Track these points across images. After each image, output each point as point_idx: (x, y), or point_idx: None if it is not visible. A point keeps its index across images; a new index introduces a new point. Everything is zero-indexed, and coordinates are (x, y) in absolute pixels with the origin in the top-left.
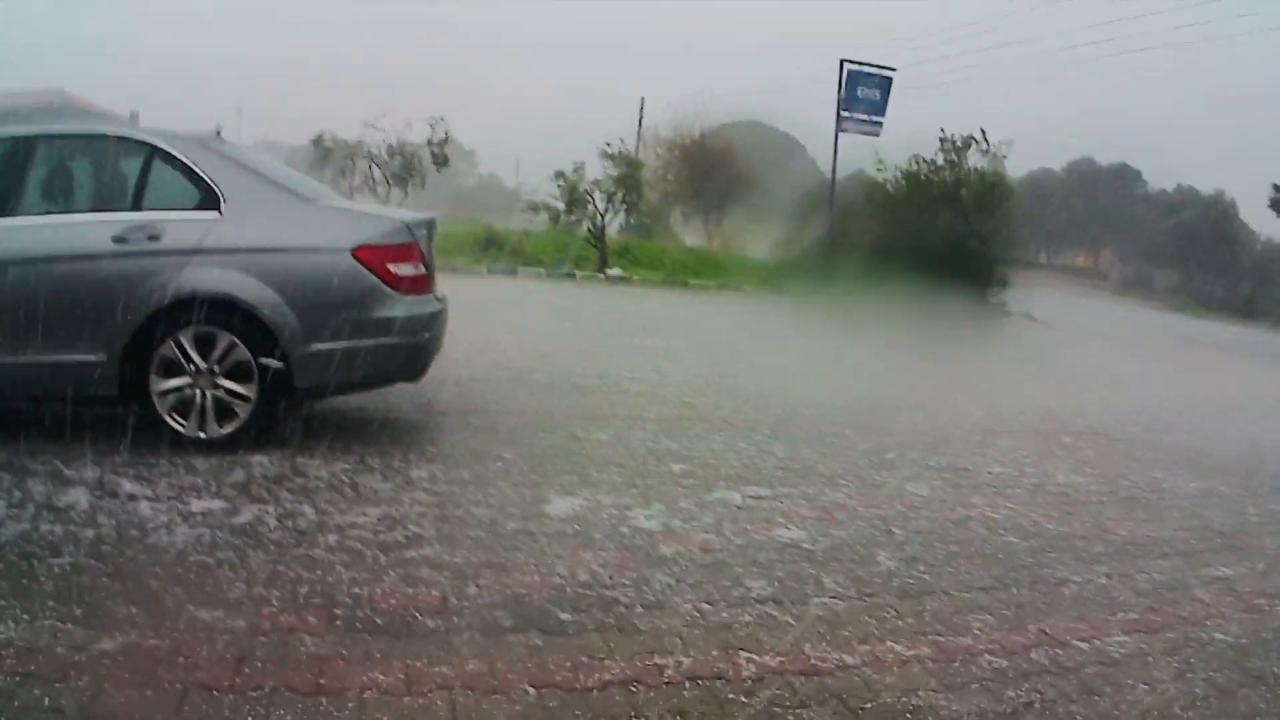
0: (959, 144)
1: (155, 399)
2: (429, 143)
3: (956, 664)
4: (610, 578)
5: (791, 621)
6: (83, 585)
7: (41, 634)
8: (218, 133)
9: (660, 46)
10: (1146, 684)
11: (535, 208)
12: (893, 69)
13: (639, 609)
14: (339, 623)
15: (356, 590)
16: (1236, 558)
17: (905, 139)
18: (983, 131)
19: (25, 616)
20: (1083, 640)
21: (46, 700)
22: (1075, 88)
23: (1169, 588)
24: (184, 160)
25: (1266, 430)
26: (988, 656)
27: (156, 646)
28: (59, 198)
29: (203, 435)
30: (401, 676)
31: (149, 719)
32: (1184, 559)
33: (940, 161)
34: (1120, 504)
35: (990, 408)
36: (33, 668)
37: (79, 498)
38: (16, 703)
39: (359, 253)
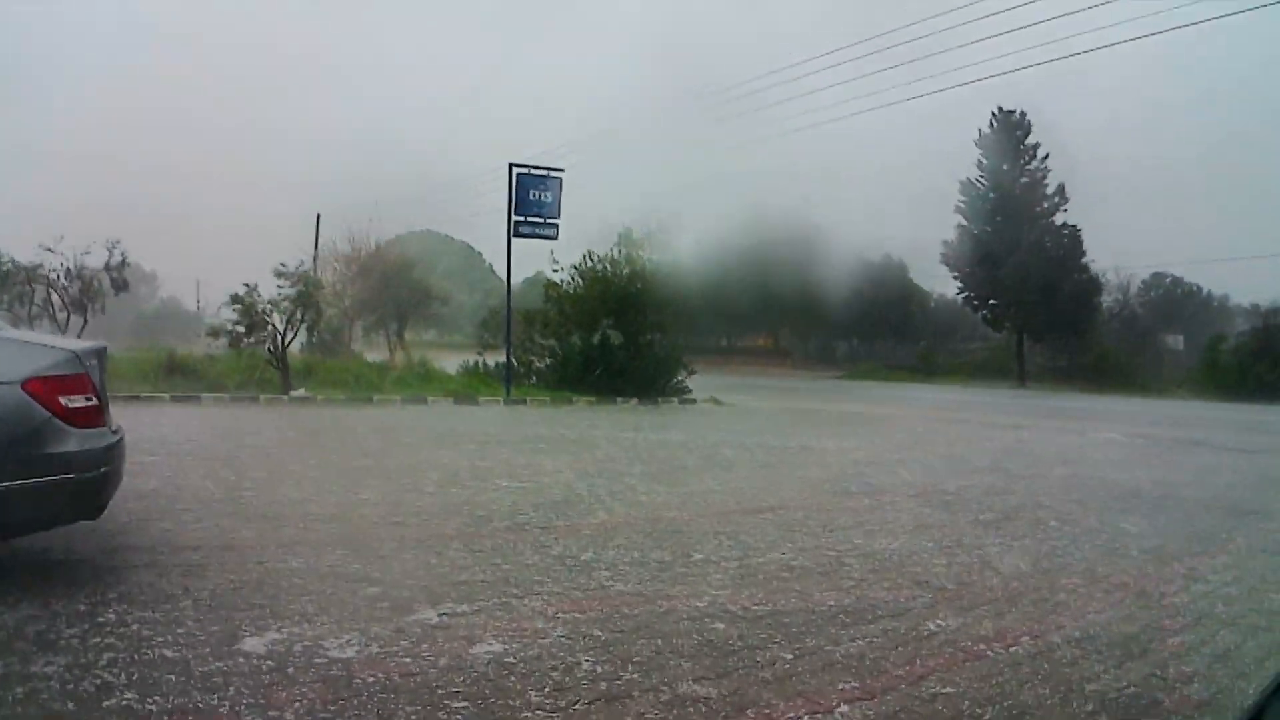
0: (632, 236)
1: None
2: (107, 266)
3: None
4: (310, 713)
5: None
6: None
7: None
8: None
9: (328, 158)
10: None
11: (215, 332)
12: (561, 170)
13: None
14: None
15: None
16: None
17: (585, 238)
18: (657, 221)
19: None
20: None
21: None
22: (742, 168)
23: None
24: None
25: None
26: None
27: None
28: None
29: None
30: None
31: None
32: None
33: (616, 255)
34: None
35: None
36: None
37: None
38: None
39: (29, 385)
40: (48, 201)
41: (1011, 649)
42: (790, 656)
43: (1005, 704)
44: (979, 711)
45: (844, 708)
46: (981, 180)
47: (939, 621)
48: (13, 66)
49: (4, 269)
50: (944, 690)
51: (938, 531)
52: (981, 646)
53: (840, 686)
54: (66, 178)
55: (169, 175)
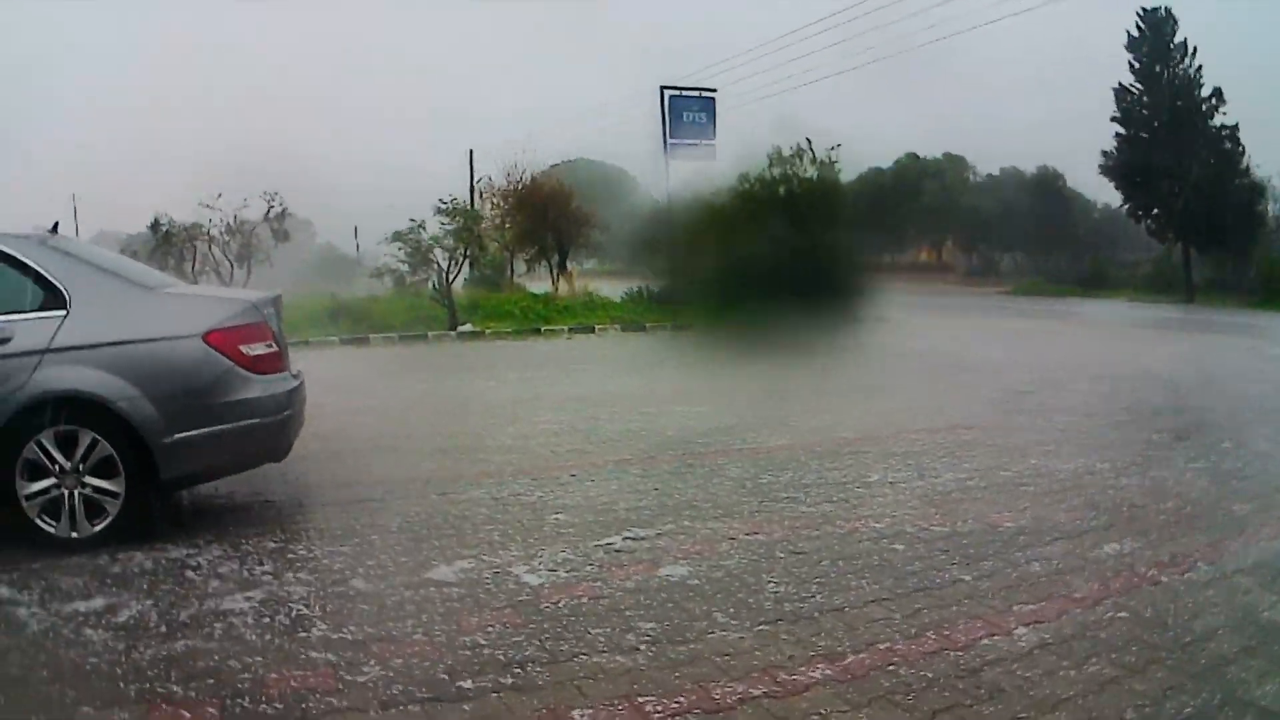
0: (785, 155)
1: (24, 503)
2: (266, 218)
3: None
4: (502, 637)
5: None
6: None
7: None
8: (54, 229)
9: (478, 94)
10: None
11: (379, 272)
12: (713, 90)
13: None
14: (229, 712)
15: (246, 676)
16: None
17: (739, 161)
18: (808, 140)
19: None
20: None
21: None
22: (891, 85)
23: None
24: (24, 260)
25: None
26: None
27: None
28: None
29: (75, 535)
30: None
31: None
32: None
33: (769, 175)
34: None
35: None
36: None
37: None
38: None
39: (210, 337)
40: (203, 159)
41: (1187, 575)
42: (969, 578)
43: (1179, 630)
44: (1153, 637)
45: (1021, 629)
46: (1136, 86)
47: (1114, 545)
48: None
49: (165, 230)
50: (1119, 615)
51: (1112, 451)
52: (1156, 571)
53: (1017, 608)
54: (218, 133)
55: (319, 120)
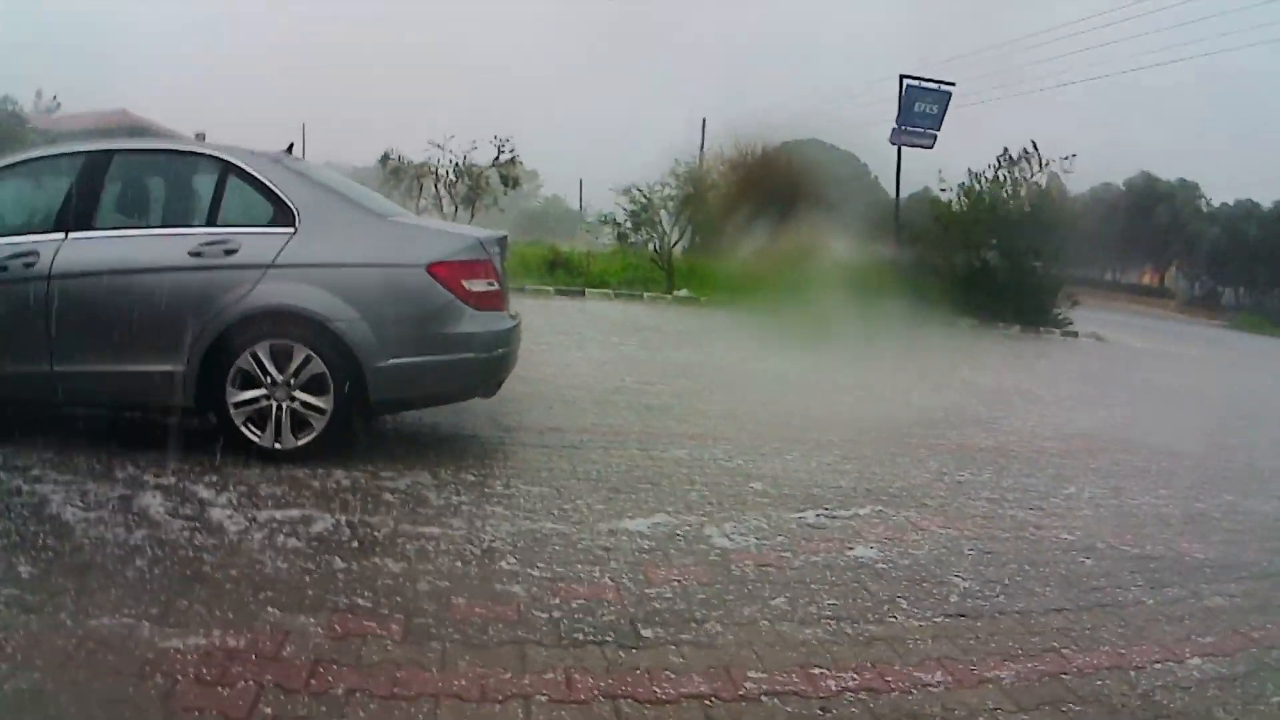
0: (1018, 159)
1: (231, 410)
2: (495, 163)
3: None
4: (686, 593)
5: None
6: (158, 585)
7: (118, 630)
8: (289, 150)
9: (713, 62)
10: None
11: (605, 221)
12: (952, 84)
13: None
14: (416, 630)
15: (432, 598)
16: None
17: (960, 156)
18: (1034, 144)
19: (102, 612)
20: None
21: (124, 694)
22: (1134, 102)
23: None
24: (258, 177)
25: None
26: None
27: (233, 647)
28: (137, 212)
29: (277, 446)
30: (476, 684)
31: (225, 717)
32: None
33: (1001, 178)
34: None
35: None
36: (110, 660)
37: (156, 502)
38: (95, 697)
39: (434, 268)
40: (438, 105)
41: None
42: (1151, 602)
43: None
44: None
45: (1196, 660)
46: None
47: None
48: None
49: (393, 166)
50: None
51: None
52: None
53: (1195, 639)
54: (454, 84)
55: (553, 77)
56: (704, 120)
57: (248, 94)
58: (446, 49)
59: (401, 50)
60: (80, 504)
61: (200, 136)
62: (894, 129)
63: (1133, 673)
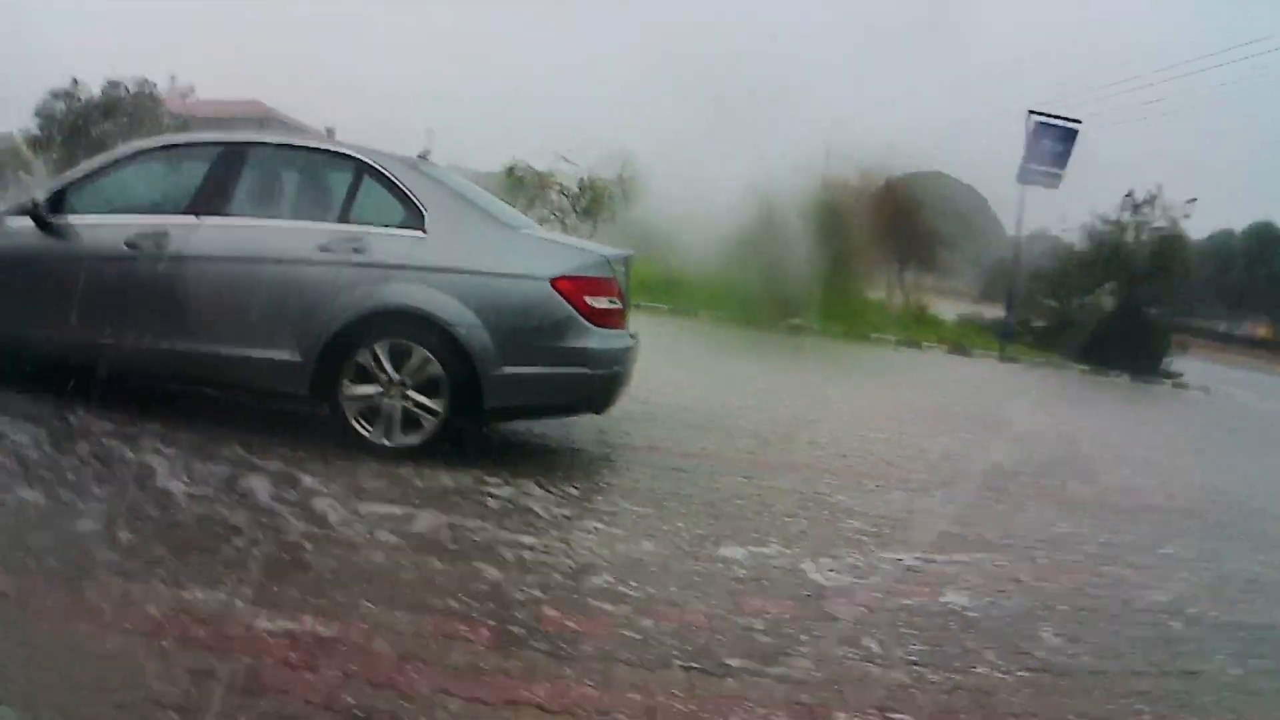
0: (1141, 204)
1: (344, 403)
2: (620, 179)
3: None
4: (778, 626)
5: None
6: (255, 566)
7: (213, 607)
8: (424, 155)
9: (837, 87)
10: None
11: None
12: (1078, 120)
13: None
14: (504, 636)
15: (525, 607)
16: None
17: (1079, 192)
18: (1159, 187)
19: (197, 589)
20: None
21: (210, 668)
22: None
23: None
24: (391, 178)
25: None
26: None
27: (323, 634)
28: (270, 203)
29: (387, 442)
30: (560, 697)
31: (307, 701)
32: None
33: (1123, 220)
34: None
35: None
36: (200, 636)
37: (262, 486)
38: (179, 670)
39: (558, 283)
40: (556, 110)
41: None
42: (1239, 671)
43: None
44: None
45: None
46: None
47: None
48: None
49: (519, 175)
50: None
51: None
52: None
53: (1277, 714)
54: (584, 100)
55: (681, 99)
56: (827, 146)
57: (376, 93)
58: (577, 61)
59: (534, 56)
60: (185, 479)
61: (330, 132)
62: (1021, 167)
63: None
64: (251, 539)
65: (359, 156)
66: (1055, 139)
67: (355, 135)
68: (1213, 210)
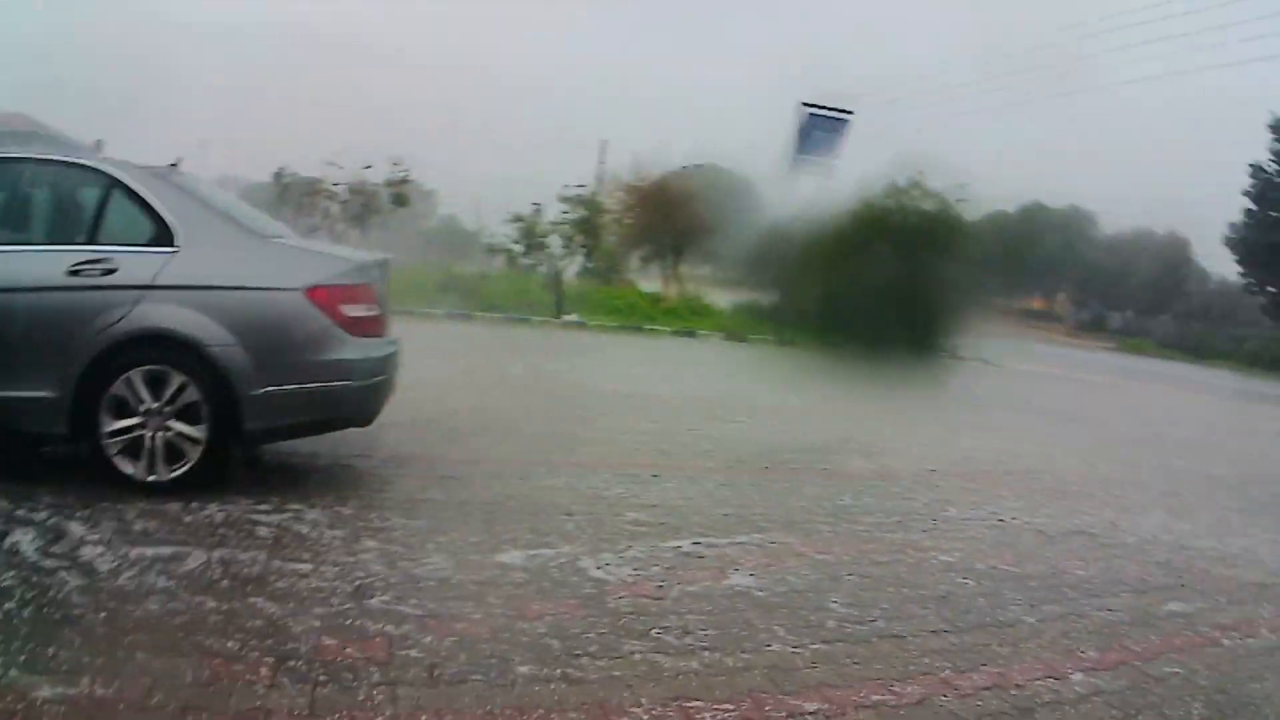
0: (901, 187)
1: (104, 441)
2: (389, 183)
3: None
4: (562, 628)
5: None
6: (26, 630)
7: None
8: (175, 165)
9: (620, 89)
10: None
11: (493, 250)
12: (849, 111)
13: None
14: (286, 673)
15: (302, 639)
16: None
17: (858, 185)
18: (920, 174)
19: None
20: None
21: None
22: (1027, 129)
23: None
24: (140, 193)
25: None
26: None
27: (101, 695)
28: (13, 226)
29: (152, 479)
30: None
31: None
32: None
33: (885, 204)
34: None
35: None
36: None
37: (29, 541)
38: None
39: (312, 293)
40: (332, 119)
41: (1249, 639)
42: (1032, 620)
43: (1234, 693)
44: (1206, 697)
45: (1078, 676)
46: (1273, 161)
47: (1179, 604)
48: None
49: (286, 182)
50: (1174, 671)
51: (1193, 514)
52: (1218, 633)
53: (1076, 655)
54: (353, 96)
55: (457, 90)
56: (604, 142)
57: (149, 105)
58: (350, 66)
59: (307, 64)
60: None
61: (99, 145)
62: (795, 158)
63: (1014, 691)
64: (21, 601)
65: (104, 170)
66: (827, 130)
67: (130, 149)
68: (994, 191)
